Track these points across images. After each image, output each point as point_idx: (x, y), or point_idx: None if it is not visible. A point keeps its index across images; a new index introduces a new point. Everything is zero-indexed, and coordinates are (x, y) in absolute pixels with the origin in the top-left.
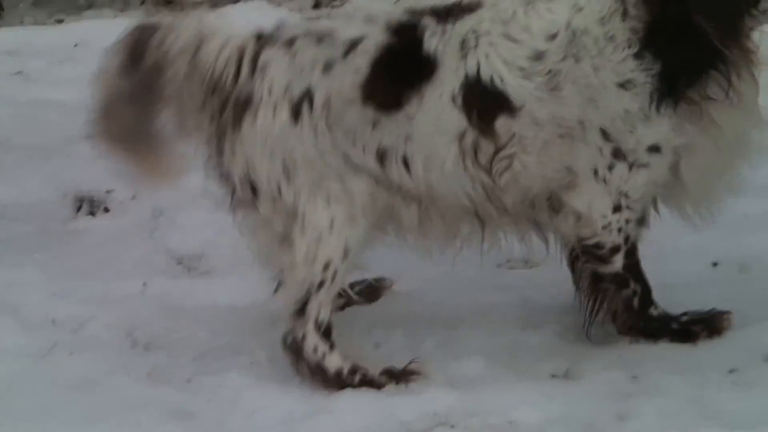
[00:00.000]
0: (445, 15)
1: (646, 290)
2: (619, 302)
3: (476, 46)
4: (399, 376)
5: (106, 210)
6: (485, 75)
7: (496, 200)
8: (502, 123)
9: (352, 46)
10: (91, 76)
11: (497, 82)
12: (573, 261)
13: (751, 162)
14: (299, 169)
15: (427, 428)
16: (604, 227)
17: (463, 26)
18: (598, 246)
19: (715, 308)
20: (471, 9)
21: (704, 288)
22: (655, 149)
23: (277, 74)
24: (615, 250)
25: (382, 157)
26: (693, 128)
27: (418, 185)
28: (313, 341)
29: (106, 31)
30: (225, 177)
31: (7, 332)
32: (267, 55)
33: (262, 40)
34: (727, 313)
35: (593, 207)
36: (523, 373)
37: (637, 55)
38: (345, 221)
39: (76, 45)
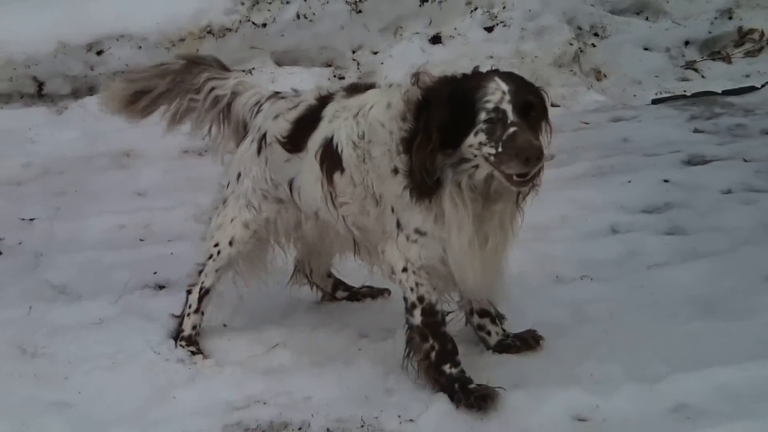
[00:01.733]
0: (351, 91)
1: (444, 349)
2: (419, 352)
3: (338, 120)
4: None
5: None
6: (335, 140)
7: (349, 231)
8: (336, 178)
9: (296, 105)
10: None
11: (338, 149)
12: None
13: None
14: (245, 179)
15: (245, 405)
16: (399, 282)
17: (344, 102)
18: (405, 298)
19: (489, 386)
20: (361, 91)
21: None
22: (419, 232)
23: (259, 118)
24: (413, 305)
25: (290, 185)
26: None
27: (306, 208)
28: (192, 299)
29: None
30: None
31: None
32: (264, 105)
33: (273, 97)
34: (497, 392)
35: (392, 262)
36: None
37: (401, 140)
38: (240, 224)
39: None
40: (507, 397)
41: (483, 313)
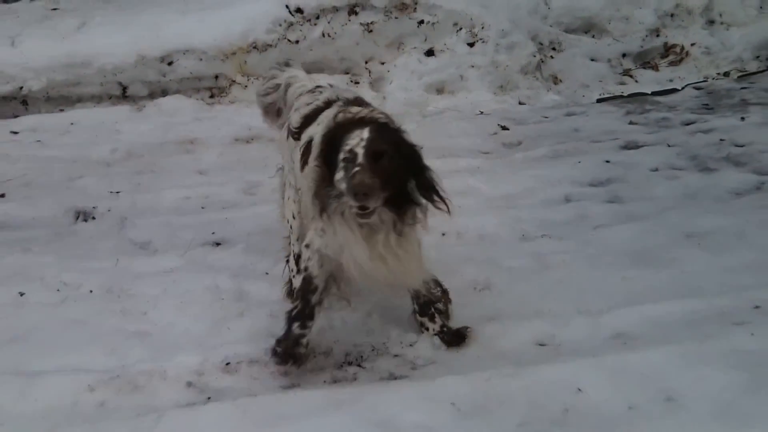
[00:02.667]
0: (351, 103)
1: (302, 311)
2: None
3: (320, 126)
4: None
5: (93, 218)
6: (314, 142)
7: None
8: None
9: (311, 103)
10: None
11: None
12: None
13: None
14: (285, 163)
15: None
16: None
17: (332, 112)
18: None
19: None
20: (352, 104)
21: None
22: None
23: (296, 103)
24: (298, 272)
25: (293, 164)
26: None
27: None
28: (291, 265)
29: (90, 115)
30: None
31: (39, 291)
32: (301, 98)
33: (310, 91)
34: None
35: (308, 238)
36: None
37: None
38: (292, 202)
39: (72, 123)
40: (484, 327)
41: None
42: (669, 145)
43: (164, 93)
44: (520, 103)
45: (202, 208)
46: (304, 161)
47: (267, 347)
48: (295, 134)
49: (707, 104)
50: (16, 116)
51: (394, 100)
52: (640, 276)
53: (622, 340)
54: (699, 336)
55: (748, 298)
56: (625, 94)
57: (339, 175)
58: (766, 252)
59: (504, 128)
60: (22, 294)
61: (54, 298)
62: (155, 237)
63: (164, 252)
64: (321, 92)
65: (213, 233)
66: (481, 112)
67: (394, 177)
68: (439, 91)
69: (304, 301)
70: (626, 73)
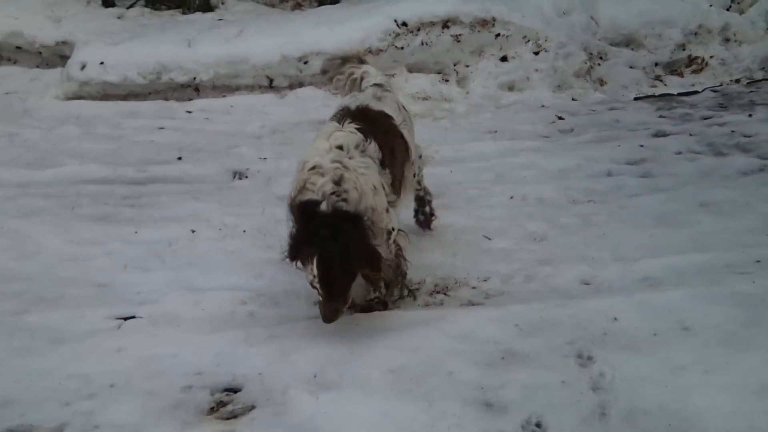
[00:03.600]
0: (357, 115)
1: None
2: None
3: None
4: None
5: (246, 177)
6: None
7: None
8: None
9: (349, 103)
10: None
11: None
12: None
13: None
14: None
15: None
16: None
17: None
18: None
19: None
20: (359, 118)
21: None
22: None
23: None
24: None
25: None
26: None
27: None
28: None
29: (245, 101)
30: None
31: (206, 229)
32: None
33: (375, 85)
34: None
35: None
36: None
37: None
38: None
39: (231, 106)
40: (541, 268)
41: None
42: (690, 135)
43: (301, 85)
44: (572, 100)
45: None
46: None
47: None
48: None
49: (722, 103)
50: (190, 99)
51: (475, 94)
52: (663, 234)
53: (648, 282)
54: (709, 281)
55: (751, 254)
56: (656, 94)
57: (309, 278)
58: (765, 219)
59: (560, 118)
60: (193, 231)
61: (217, 235)
62: None
63: None
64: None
65: None
66: (543, 106)
67: (352, 277)
68: (510, 88)
69: None
70: (657, 78)
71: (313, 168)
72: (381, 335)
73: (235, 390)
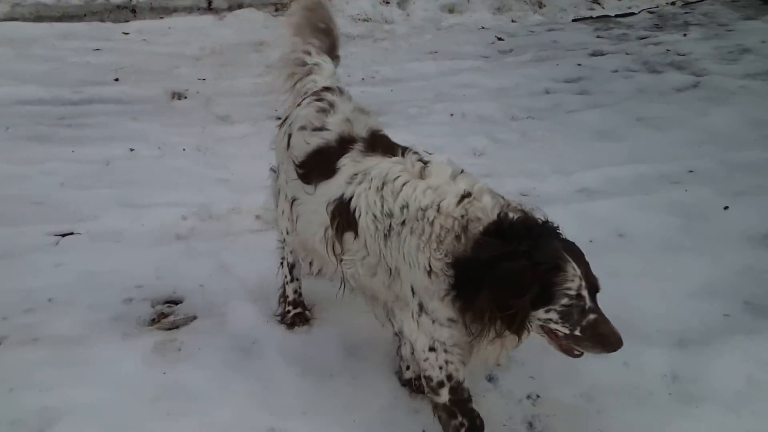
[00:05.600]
0: (370, 147)
1: (473, 424)
2: (450, 428)
3: (359, 183)
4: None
5: (186, 97)
6: (353, 205)
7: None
8: (347, 237)
9: (322, 129)
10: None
11: (355, 213)
12: None
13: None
14: (281, 172)
15: None
16: (425, 360)
17: (364, 164)
18: (428, 378)
19: None
20: (390, 152)
21: None
22: (453, 320)
23: (293, 114)
24: (440, 384)
25: (292, 201)
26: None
27: (299, 231)
28: (285, 271)
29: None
30: None
31: (146, 148)
32: (306, 100)
33: (315, 94)
34: None
35: (412, 339)
36: None
37: (447, 264)
38: (286, 219)
39: (169, 28)
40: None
41: None
42: (627, 54)
43: (240, 6)
44: (512, 21)
45: (268, 91)
46: (343, 225)
47: None
48: (301, 170)
49: (657, 24)
50: (126, 21)
51: (416, 16)
52: (602, 147)
53: (586, 192)
54: (645, 190)
55: (684, 164)
56: (594, 16)
57: (549, 315)
58: (698, 132)
59: (500, 39)
60: (132, 150)
61: (156, 153)
62: (233, 112)
63: (240, 122)
64: (328, 109)
65: (276, 110)
66: (482, 28)
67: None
68: (451, 10)
69: (471, 414)
70: (595, 1)
71: (461, 199)
72: None
73: (176, 302)
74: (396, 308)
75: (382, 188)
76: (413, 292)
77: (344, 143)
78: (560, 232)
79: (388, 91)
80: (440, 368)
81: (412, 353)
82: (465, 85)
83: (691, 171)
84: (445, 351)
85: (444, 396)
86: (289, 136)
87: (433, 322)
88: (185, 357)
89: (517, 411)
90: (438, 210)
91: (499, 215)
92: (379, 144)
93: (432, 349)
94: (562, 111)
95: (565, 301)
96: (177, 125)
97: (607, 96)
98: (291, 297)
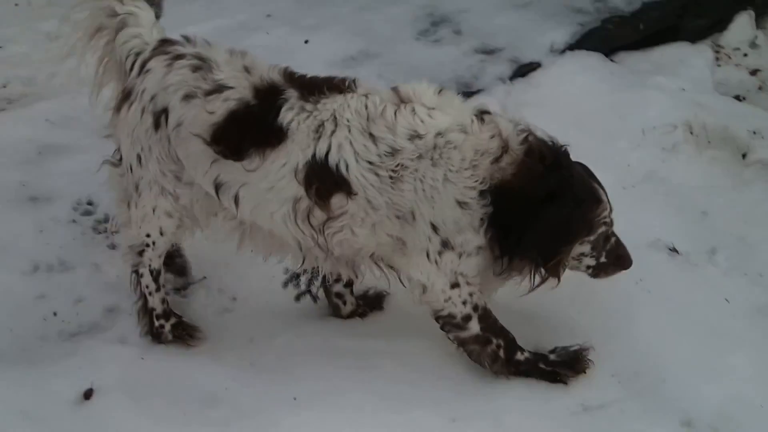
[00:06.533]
0: (306, 89)
1: (508, 341)
2: (486, 357)
3: (332, 134)
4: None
5: None
6: (332, 161)
7: (325, 249)
8: (337, 200)
9: (219, 89)
10: None
11: (342, 169)
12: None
13: None
14: (148, 163)
15: None
16: (446, 301)
17: (324, 109)
18: (450, 316)
19: (577, 345)
20: (339, 90)
21: None
22: (481, 248)
23: (150, 84)
24: (468, 317)
25: (217, 186)
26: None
27: (245, 218)
28: (146, 280)
29: None
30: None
31: None
32: (153, 64)
33: (158, 47)
34: (587, 350)
35: (434, 282)
36: None
37: (482, 192)
38: (163, 214)
39: None
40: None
41: (348, 283)
42: None
43: None
44: None
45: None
46: (327, 188)
47: None
48: (222, 147)
49: None
50: None
51: None
52: None
53: None
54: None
55: (260, 10)
56: None
57: (582, 249)
58: None
59: None
60: None
61: None
62: None
63: None
64: (203, 65)
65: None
66: None
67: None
68: None
69: (503, 331)
70: None
71: (480, 117)
72: None
73: None
74: (397, 256)
75: (368, 127)
76: (435, 231)
77: (268, 96)
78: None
79: None
80: (464, 303)
81: (422, 296)
82: None
83: (268, 15)
84: (468, 284)
85: (474, 327)
86: (163, 112)
87: (460, 256)
88: None
89: None
90: (464, 131)
91: (527, 137)
92: (311, 83)
93: (455, 285)
94: None
95: (600, 230)
96: None
97: None
98: (160, 308)
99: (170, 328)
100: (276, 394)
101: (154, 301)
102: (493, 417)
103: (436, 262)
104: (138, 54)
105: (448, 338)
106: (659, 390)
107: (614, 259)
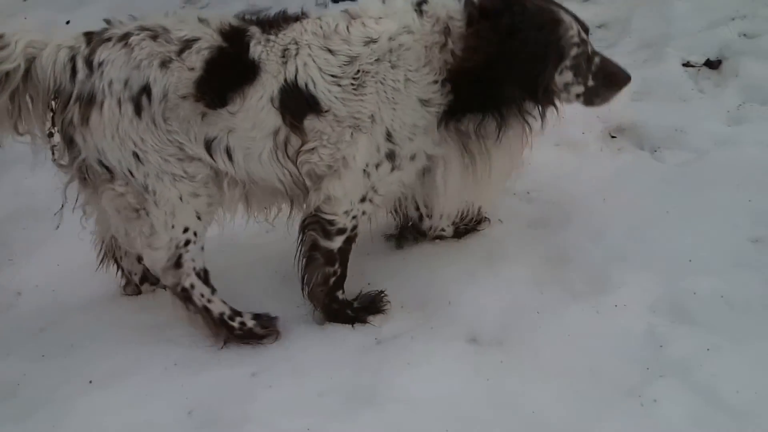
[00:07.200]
0: (269, 25)
1: (343, 276)
2: (320, 275)
3: (296, 55)
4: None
5: None
6: (301, 81)
7: (300, 185)
8: (309, 122)
9: (188, 44)
10: None
11: (311, 87)
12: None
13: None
14: (148, 155)
15: None
16: (345, 212)
17: (285, 37)
18: (331, 223)
19: (374, 291)
20: (295, 20)
21: None
22: (413, 157)
23: (115, 72)
24: (341, 231)
25: (209, 146)
26: (456, 149)
27: (239, 172)
28: (198, 289)
29: None
30: (74, 164)
31: None
32: (102, 53)
33: (93, 39)
34: (383, 292)
35: (347, 194)
36: None
37: (442, 82)
38: (189, 197)
39: None
40: None
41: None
42: None
43: None
44: None
45: None
46: (299, 110)
47: None
48: (206, 96)
49: None
50: None
51: None
52: None
53: None
54: None
55: None
56: None
57: (564, 78)
58: None
59: None
60: None
61: None
62: None
63: None
64: (158, 31)
65: None
66: None
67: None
68: None
69: (345, 266)
70: None
71: (419, 9)
72: None
73: None
74: (328, 181)
75: (325, 44)
76: (388, 138)
77: (234, 37)
78: None
79: None
80: (354, 217)
81: (321, 203)
82: None
83: None
84: (371, 201)
85: (337, 243)
86: (143, 91)
87: (392, 170)
88: None
89: None
90: (409, 31)
91: (466, 5)
92: (268, 20)
93: (364, 200)
94: None
95: (574, 51)
96: None
97: None
98: (228, 312)
99: (252, 327)
100: (72, 380)
101: (218, 305)
102: (292, 366)
103: (369, 174)
104: (72, 58)
105: (298, 239)
106: (445, 313)
107: (603, 79)
